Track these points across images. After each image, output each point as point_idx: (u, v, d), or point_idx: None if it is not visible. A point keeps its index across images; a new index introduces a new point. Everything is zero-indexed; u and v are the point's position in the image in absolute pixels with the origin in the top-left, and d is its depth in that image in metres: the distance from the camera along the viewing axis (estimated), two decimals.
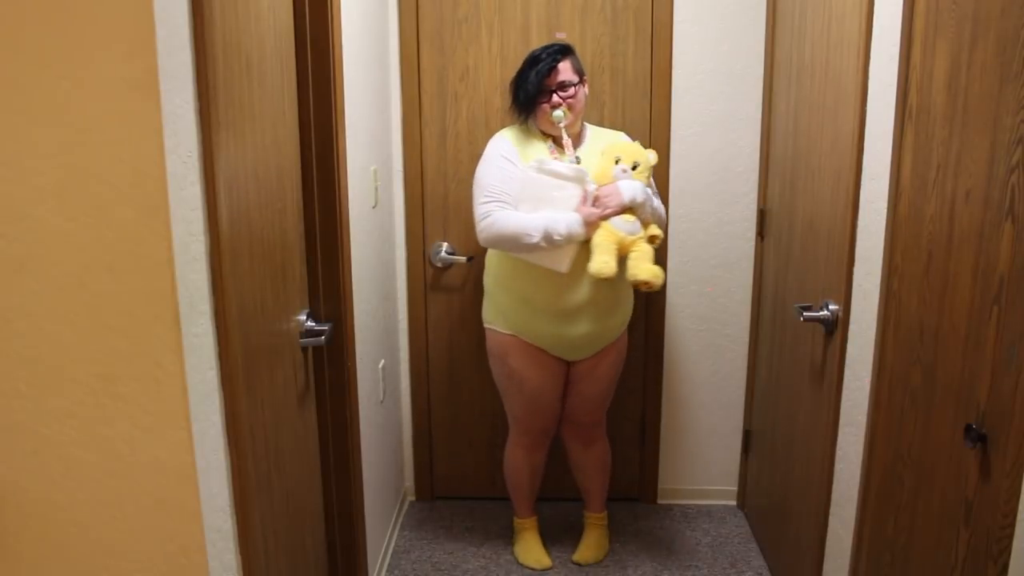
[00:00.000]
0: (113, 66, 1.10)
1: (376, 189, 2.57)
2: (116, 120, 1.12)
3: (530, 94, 2.33)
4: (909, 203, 1.65)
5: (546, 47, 2.36)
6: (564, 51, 2.36)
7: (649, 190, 2.35)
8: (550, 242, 2.25)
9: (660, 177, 2.84)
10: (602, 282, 2.28)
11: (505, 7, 2.76)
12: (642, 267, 2.24)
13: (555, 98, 2.33)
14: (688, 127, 2.83)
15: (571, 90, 2.33)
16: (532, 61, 2.35)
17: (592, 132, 2.50)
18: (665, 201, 2.85)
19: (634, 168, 2.32)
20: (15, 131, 1.12)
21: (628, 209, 2.27)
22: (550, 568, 2.72)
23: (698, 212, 2.89)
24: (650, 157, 2.36)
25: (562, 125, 2.33)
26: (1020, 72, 1.25)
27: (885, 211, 1.76)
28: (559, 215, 2.25)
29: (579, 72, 2.38)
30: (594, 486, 2.78)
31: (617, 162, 2.32)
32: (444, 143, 2.87)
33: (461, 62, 2.80)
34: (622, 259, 2.28)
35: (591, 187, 2.29)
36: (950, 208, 1.48)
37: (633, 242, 2.27)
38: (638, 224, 2.30)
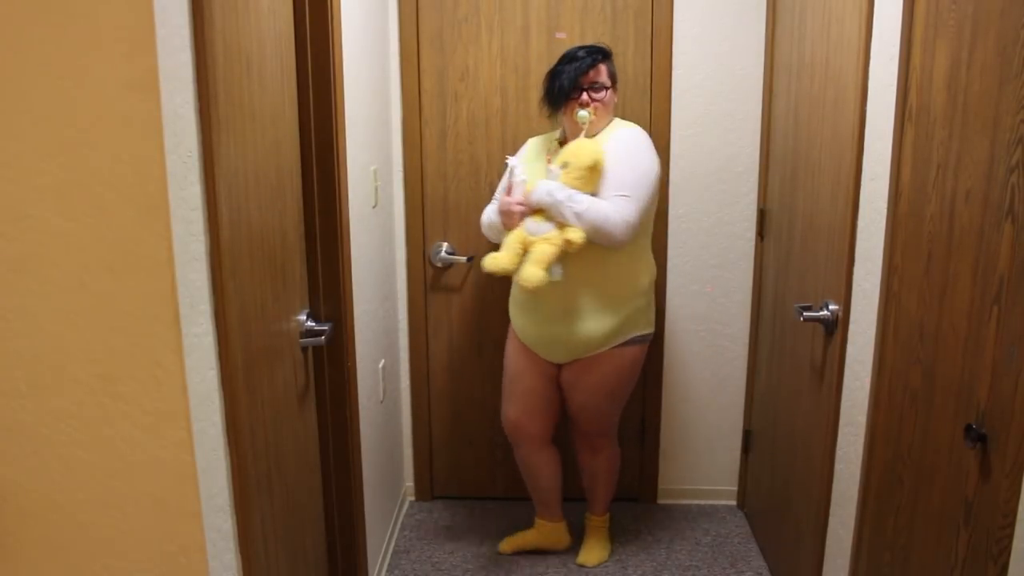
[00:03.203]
0: (113, 66, 1.10)
1: (376, 189, 2.57)
2: (116, 120, 1.12)
3: (564, 87, 2.34)
4: (909, 203, 1.65)
5: (588, 47, 2.37)
6: (605, 55, 2.38)
7: (567, 192, 2.24)
8: (486, 228, 2.53)
9: (660, 177, 2.83)
10: (566, 284, 2.33)
11: (505, 7, 2.76)
12: (523, 268, 2.26)
13: (584, 96, 2.34)
14: (688, 127, 2.83)
15: (602, 92, 2.35)
16: (571, 58, 2.36)
17: (612, 127, 2.42)
18: (665, 200, 2.86)
19: (563, 167, 2.28)
20: (16, 131, 1.12)
21: (540, 209, 2.29)
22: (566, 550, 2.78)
23: (698, 212, 2.89)
24: (596, 159, 2.27)
25: (584, 125, 2.34)
26: (1020, 72, 1.25)
27: (885, 211, 1.76)
28: (492, 205, 2.50)
29: (613, 77, 2.40)
30: (598, 489, 2.77)
31: (558, 161, 2.32)
32: (444, 143, 2.87)
33: (461, 62, 2.80)
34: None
35: (517, 179, 2.36)
36: (950, 208, 1.48)
37: (534, 242, 2.28)
38: (549, 225, 2.27)
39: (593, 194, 2.27)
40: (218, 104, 1.29)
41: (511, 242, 2.30)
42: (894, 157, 1.71)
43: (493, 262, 2.28)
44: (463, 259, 2.90)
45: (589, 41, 2.75)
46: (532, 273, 2.23)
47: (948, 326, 1.49)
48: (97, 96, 1.11)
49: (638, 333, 2.46)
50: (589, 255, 2.28)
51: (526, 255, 2.28)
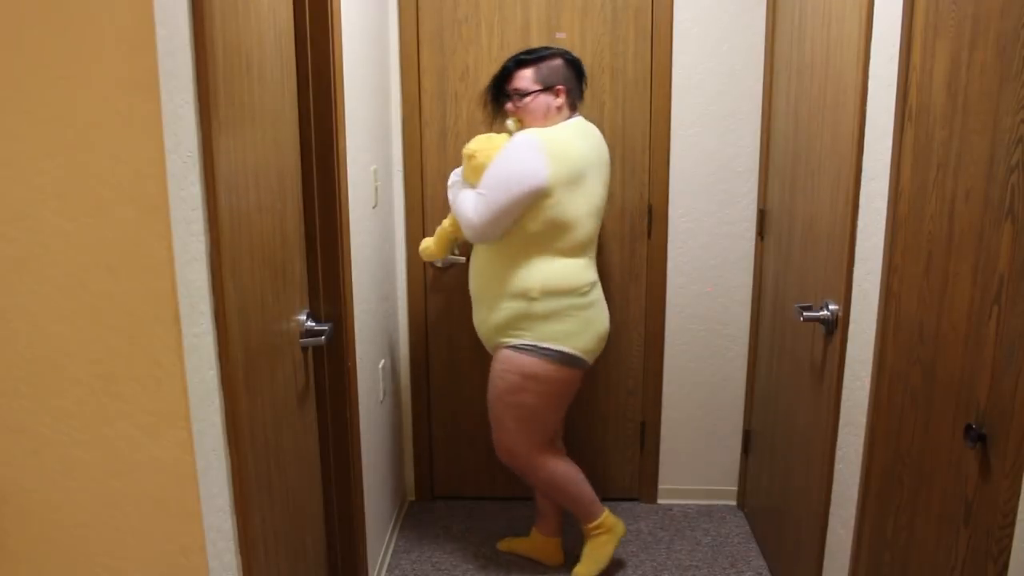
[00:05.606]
0: (113, 66, 1.10)
1: (376, 189, 2.57)
2: (116, 120, 1.11)
3: (490, 96, 2.40)
4: (909, 203, 1.65)
5: (515, 55, 2.37)
6: (533, 60, 2.30)
7: (454, 179, 2.44)
8: None
9: (660, 177, 2.84)
10: (473, 270, 2.45)
11: (505, 7, 2.76)
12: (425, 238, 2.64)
13: (508, 106, 2.35)
14: (688, 127, 2.83)
15: (524, 99, 2.30)
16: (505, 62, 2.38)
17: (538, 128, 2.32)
18: (665, 201, 2.86)
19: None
20: (15, 131, 1.12)
21: None
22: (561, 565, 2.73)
23: (698, 212, 2.89)
24: (472, 153, 2.32)
25: (512, 134, 2.32)
26: (1020, 72, 1.25)
27: (885, 211, 1.76)
28: None
29: (544, 81, 2.29)
30: (562, 505, 2.66)
31: None
32: (444, 143, 2.87)
33: (461, 62, 2.80)
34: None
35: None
36: (950, 208, 1.48)
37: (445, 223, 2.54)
38: None
39: (474, 187, 2.33)
40: (218, 104, 1.29)
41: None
42: (894, 157, 1.71)
43: (422, 247, 2.60)
44: (463, 260, 2.90)
45: (589, 41, 2.76)
46: (423, 243, 2.58)
47: (948, 326, 1.49)
48: (97, 96, 1.11)
49: (525, 341, 2.32)
50: (493, 245, 2.34)
51: None
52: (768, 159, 2.75)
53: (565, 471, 2.52)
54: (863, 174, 1.89)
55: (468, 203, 2.29)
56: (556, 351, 2.31)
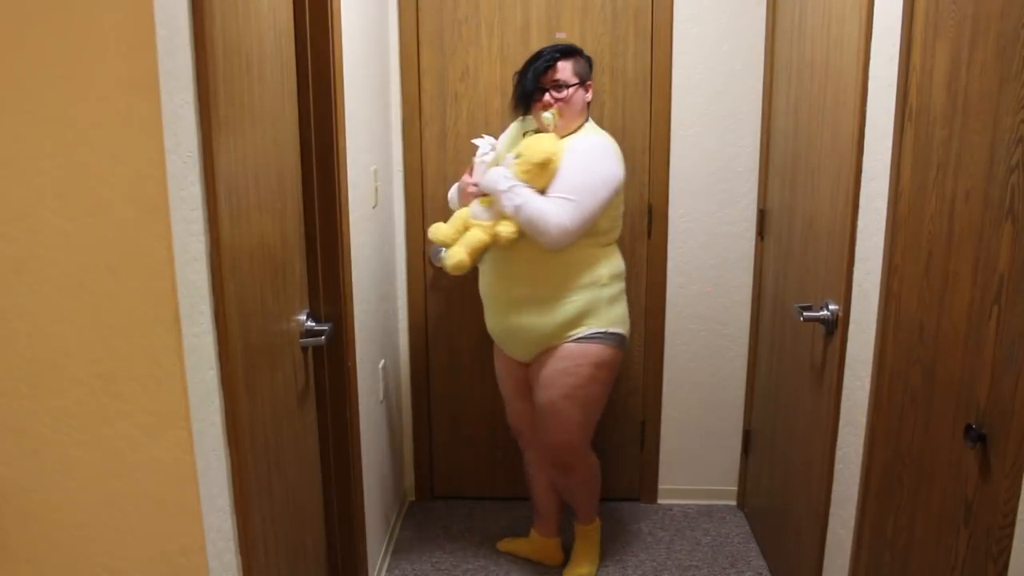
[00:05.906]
0: (113, 66, 1.10)
1: (376, 189, 2.57)
2: (116, 120, 1.11)
3: (526, 89, 2.33)
4: (909, 203, 1.65)
5: (554, 45, 2.35)
6: (569, 52, 2.33)
7: (512, 183, 2.22)
8: (451, 202, 2.54)
9: (660, 177, 2.84)
10: (516, 273, 2.34)
11: (505, 7, 2.76)
12: (451, 249, 2.32)
13: (547, 97, 2.30)
14: (688, 127, 2.83)
15: (565, 91, 2.29)
16: (535, 57, 2.33)
17: (584, 131, 2.37)
18: (665, 201, 2.86)
19: (517, 157, 2.25)
20: (15, 131, 1.12)
21: (488, 195, 2.30)
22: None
23: (698, 212, 2.89)
24: (549, 157, 2.22)
25: (550, 126, 2.30)
26: (1020, 72, 1.25)
27: (885, 211, 1.76)
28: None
29: (580, 76, 2.32)
30: (576, 503, 2.64)
31: (515, 151, 2.31)
32: (444, 143, 2.87)
33: (461, 62, 2.80)
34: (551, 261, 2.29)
35: (478, 158, 2.39)
36: (950, 208, 1.48)
37: (472, 226, 2.31)
38: (490, 212, 2.29)
39: (541, 191, 2.24)
40: (218, 104, 1.29)
41: (456, 219, 2.38)
42: (894, 157, 1.71)
43: (434, 231, 2.39)
44: None
45: (589, 41, 2.76)
46: (454, 254, 2.30)
47: (948, 326, 1.49)
48: (97, 96, 1.11)
49: (597, 329, 2.34)
50: (539, 244, 2.26)
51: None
52: (768, 159, 2.75)
53: (598, 464, 2.62)
54: (863, 174, 1.89)
55: (556, 210, 2.19)
56: (617, 334, 2.41)
